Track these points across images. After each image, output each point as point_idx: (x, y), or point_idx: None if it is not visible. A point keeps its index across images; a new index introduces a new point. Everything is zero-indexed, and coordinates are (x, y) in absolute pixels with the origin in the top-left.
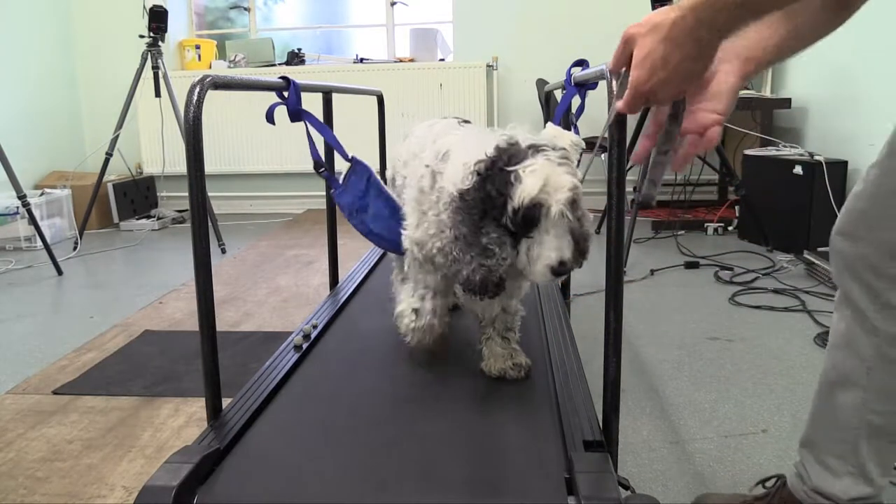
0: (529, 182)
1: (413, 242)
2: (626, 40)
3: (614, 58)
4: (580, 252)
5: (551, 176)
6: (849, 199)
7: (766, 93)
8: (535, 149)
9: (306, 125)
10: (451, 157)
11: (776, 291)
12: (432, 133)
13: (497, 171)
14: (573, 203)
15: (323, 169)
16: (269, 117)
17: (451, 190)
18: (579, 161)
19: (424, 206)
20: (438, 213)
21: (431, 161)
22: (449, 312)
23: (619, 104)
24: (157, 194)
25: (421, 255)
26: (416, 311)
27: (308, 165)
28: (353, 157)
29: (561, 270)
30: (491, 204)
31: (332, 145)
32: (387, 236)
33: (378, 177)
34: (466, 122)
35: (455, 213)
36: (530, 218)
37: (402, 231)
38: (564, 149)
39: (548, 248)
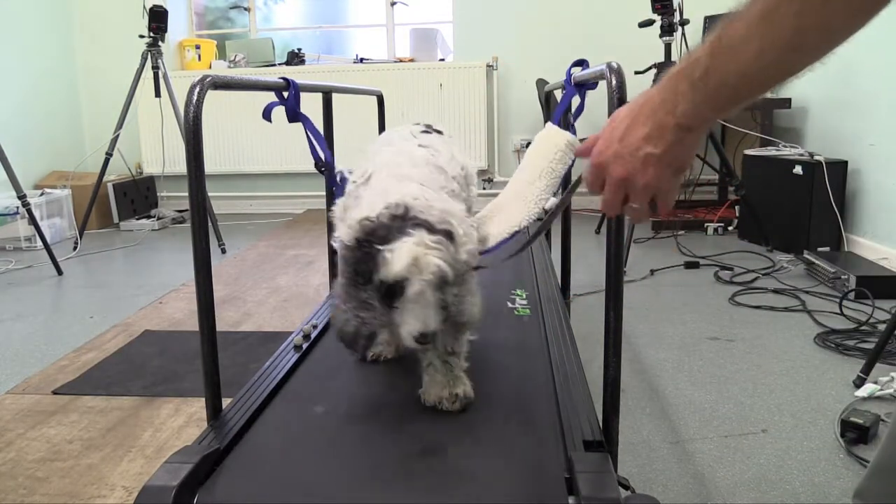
0: (394, 264)
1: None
2: (611, 119)
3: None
4: (456, 328)
5: (417, 259)
6: None
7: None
8: (415, 226)
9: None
10: (368, 187)
11: (776, 291)
12: (375, 146)
13: (370, 246)
14: (440, 283)
15: (323, 167)
16: (267, 115)
17: (342, 237)
18: (573, 162)
19: (349, 201)
20: (342, 218)
21: (358, 178)
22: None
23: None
24: (157, 194)
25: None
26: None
27: (308, 165)
28: (339, 176)
29: (421, 340)
30: (364, 272)
31: (323, 152)
32: None
33: None
34: (434, 131)
35: (341, 260)
36: (392, 292)
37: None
38: (447, 230)
39: (409, 318)
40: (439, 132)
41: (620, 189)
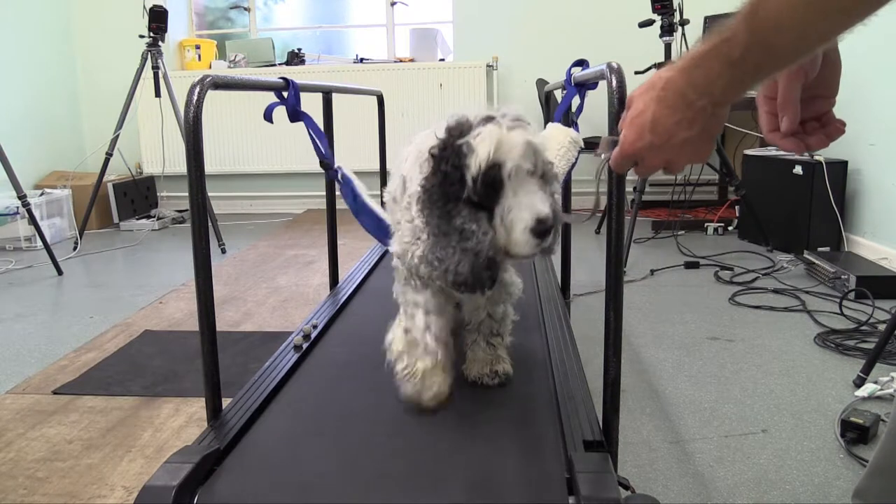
0: (481, 148)
1: (396, 256)
2: (628, 102)
3: (620, 121)
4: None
5: (502, 138)
6: None
7: None
8: (486, 119)
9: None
10: (410, 156)
11: (776, 291)
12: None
13: (448, 149)
14: (532, 158)
15: (329, 164)
16: (268, 116)
17: (414, 187)
18: (577, 158)
19: (398, 216)
20: (411, 218)
21: (406, 169)
22: (450, 337)
23: (610, 161)
24: (157, 194)
25: (405, 269)
26: (407, 330)
27: (308, 165)
28: (340, 174)
29: (541, 229)
30: (451, 183)
31: (324, 151)
32: (381, 240)
33: (363, 191)
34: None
35: (423, 208)
36: (490, 183)
37: (389, 248)
38: (518, 116)
39: (519, 210)
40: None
41: (656, 170)
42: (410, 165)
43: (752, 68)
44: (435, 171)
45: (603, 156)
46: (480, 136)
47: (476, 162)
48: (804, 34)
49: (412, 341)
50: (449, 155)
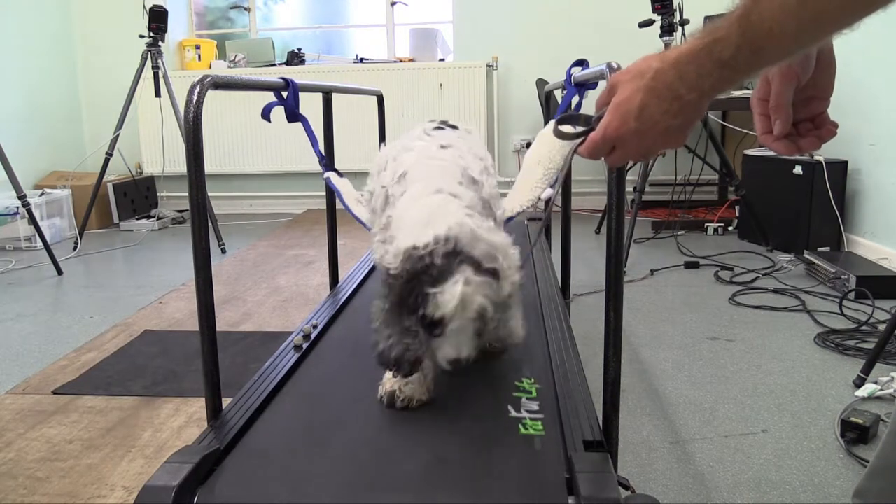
0: (443, 307)
1: (378, 265)
2: (611, 86)
3: (598, 102)
4: (498, 347)
5: (465, 299)
6: None
7: None
8: (463, 263)
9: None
10: (403, 197)
11: (776, 291)
12: (398, 147)
13: (417, 284)
14: (480, 318)
15: (326, 165)
16: (266, 115)
17: (387, 262)
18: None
19: (375, 228)
20: (384, 239)
21: (388, 181)
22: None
23: (585, 145)
24: (157, 194)
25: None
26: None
27: (308, 165)
28: (326, 179)
29: (457, 365)
30: (409, 305)
31: (317, 155)
32: None
33: (350, 200)
34: (449, 126)
35: (384, 285)
36: (434, 324)
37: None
38: (492, 268)
39: (447, 347)
40: (454, 127)
41: (630, 159)
42: (392, 180)
43: (743, 67)
44: (403, 284)
45: (566, 145)
46: (447, 297)
47: (431, 312)
48: (796, 38)
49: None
50: (415, 288)
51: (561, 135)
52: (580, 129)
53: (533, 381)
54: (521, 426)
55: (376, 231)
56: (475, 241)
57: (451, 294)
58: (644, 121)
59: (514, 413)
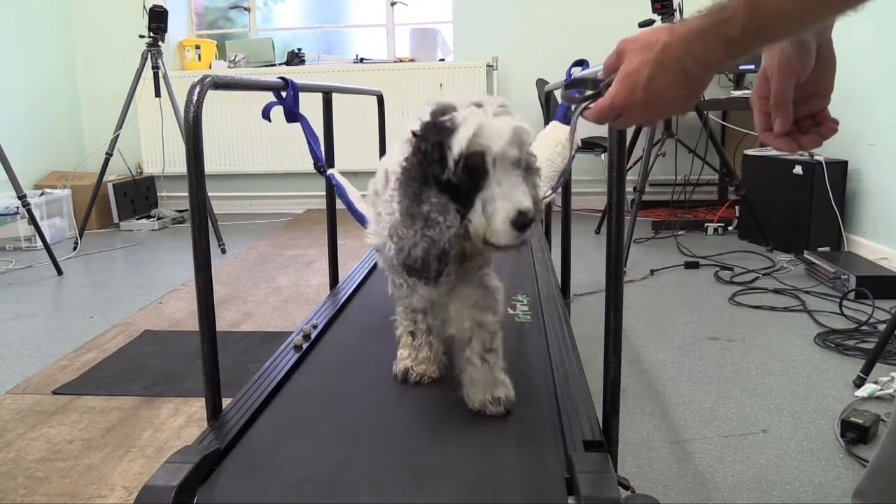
0: (464, 128)
1: (375, 249)
2: (619, 52)
3: (606, 66)
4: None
5: (488, 122)
6: None
7: None
8: (472, 104)
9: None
10: (394, 145)
11: (776, 291)
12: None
13: (431, 126)
14: (519, 145)
15: (322, 167)
16: (266, 115)
17: (395, 171)
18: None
19: (379, 208)
20: (392, 211)
21: (388, 163)
22: (443, 338)
23: (588, 113)
24: (157, 194)
25: (385, 264)
26: (412, 334)
27: (308, 165)
28: (329, 175)
29: (522, 221)
30: (431, 163)
31: (317, 154)
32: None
33: (355, 197)
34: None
35: (398, 187)
36: (473, 168)
37: (365, 240)
38: (503, 103)
39: (502, 200)
40: None
41: (636, 123)
42: (392, 157)
43: (749, 45)
44: (415, 150)
45: (574, 107)
46: (464, 116)
47: (459, 143)
48: (801, 19)
49: (419, 344)
50: (430, 132)
51: (569, 99)
52: (589, 92)
53: (525, 295)
54: (516, 317)
55: (380, 210)
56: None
57: (468, 116)
58: (651, 91)
59: (511, 312)
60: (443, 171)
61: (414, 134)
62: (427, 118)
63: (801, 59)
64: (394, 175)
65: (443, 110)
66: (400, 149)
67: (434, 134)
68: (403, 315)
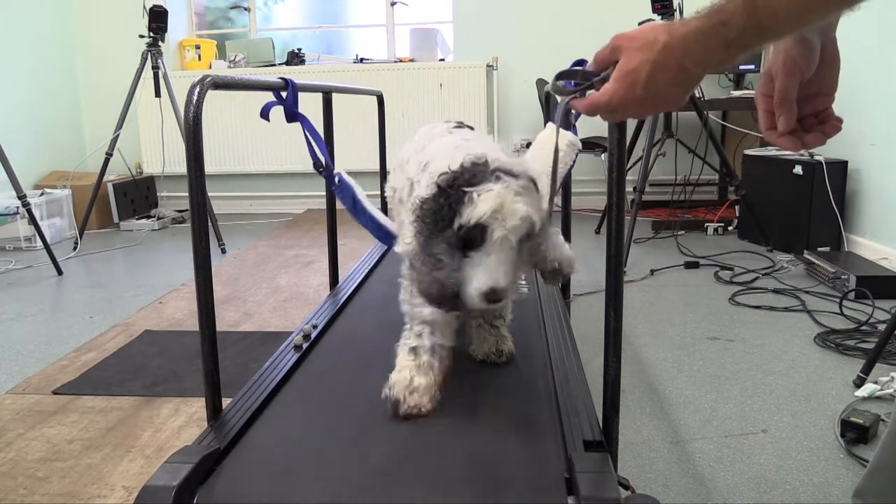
0: (481, 205)
1: (403, 255)
2: (614, 48)
3: (597, 59)
4: (552, 273)
5: (505, 203)
6: None
7: None
8: (500, 173)
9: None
10: (428, 168)
11: (776, 291)
12: (421, 142)
13: (455, 189)
14: (523, 232)
15: (322, 169)
16: (265, 115)
17: (419, 192)
18: (575, 160)
19: (403, 216)
20: (413, 222)
21: (414, 172)
22: (449, 355)
23: (579, 104)
24: (157, 194)
25: (408, 272)
26: (413, 350)
27: (308, 165)
28: (339, 179)
29: (491, 297)
30: (440, 220)
31: (321, 153)
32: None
33: (362, 196)
34: (466, 126)
35: (416, 220)
36: (471, 238)
37: (396, 247)
38: (530, 178)
39: (481, 272)
40: (471, 128)
41: (633, 117)
42: (418, 169)
43: (749, 44)
44: (435, 198)
45: (561, 100)
46: (486, 195)
47: (469, 216)
48: (799, 18)
49: (418, 365)
50: (451, 194)
51: (559, 90)
52: (579, 84)
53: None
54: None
55: (403, 218)
56: (508, 161)
57: (489, 194)
58: (649, 90)
59: None
60: (447, 229)
61: (438, 186)
62: (457, 170)
63: (806, 57)
64: (419, 187)
65: (473, 170)
66: (426, 182)
67: (455, 199)
68: (409, 325)
